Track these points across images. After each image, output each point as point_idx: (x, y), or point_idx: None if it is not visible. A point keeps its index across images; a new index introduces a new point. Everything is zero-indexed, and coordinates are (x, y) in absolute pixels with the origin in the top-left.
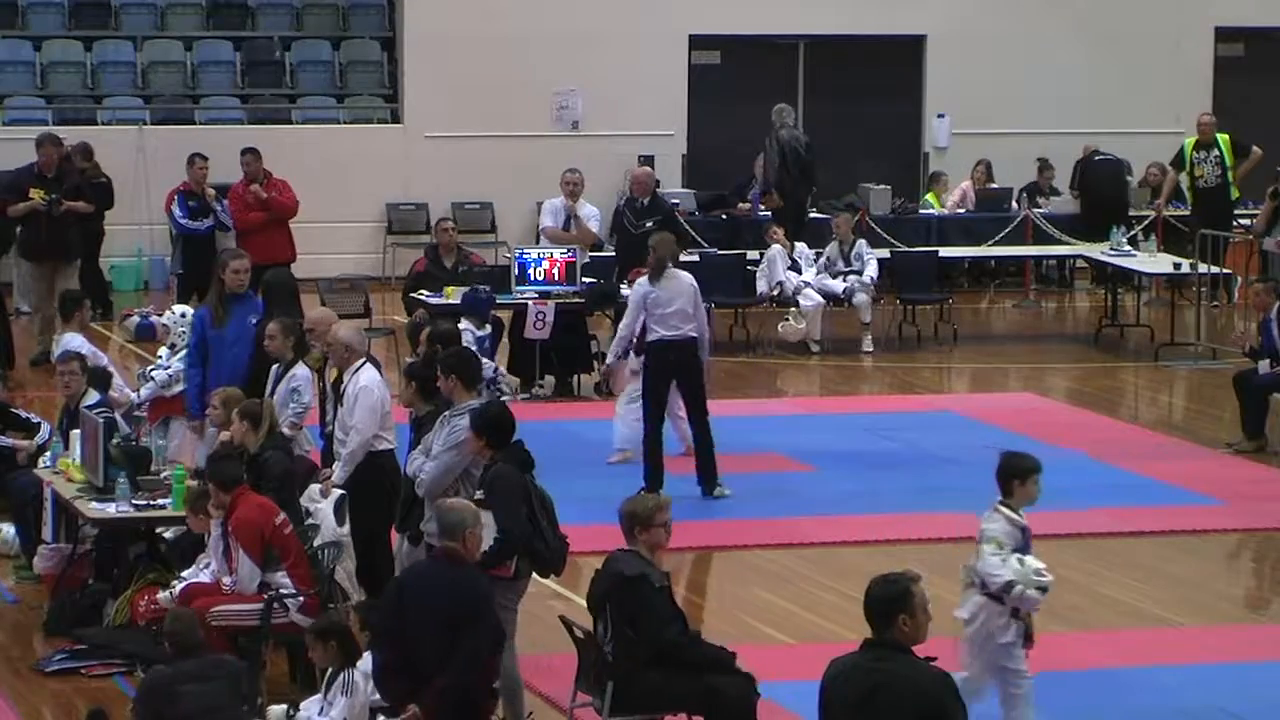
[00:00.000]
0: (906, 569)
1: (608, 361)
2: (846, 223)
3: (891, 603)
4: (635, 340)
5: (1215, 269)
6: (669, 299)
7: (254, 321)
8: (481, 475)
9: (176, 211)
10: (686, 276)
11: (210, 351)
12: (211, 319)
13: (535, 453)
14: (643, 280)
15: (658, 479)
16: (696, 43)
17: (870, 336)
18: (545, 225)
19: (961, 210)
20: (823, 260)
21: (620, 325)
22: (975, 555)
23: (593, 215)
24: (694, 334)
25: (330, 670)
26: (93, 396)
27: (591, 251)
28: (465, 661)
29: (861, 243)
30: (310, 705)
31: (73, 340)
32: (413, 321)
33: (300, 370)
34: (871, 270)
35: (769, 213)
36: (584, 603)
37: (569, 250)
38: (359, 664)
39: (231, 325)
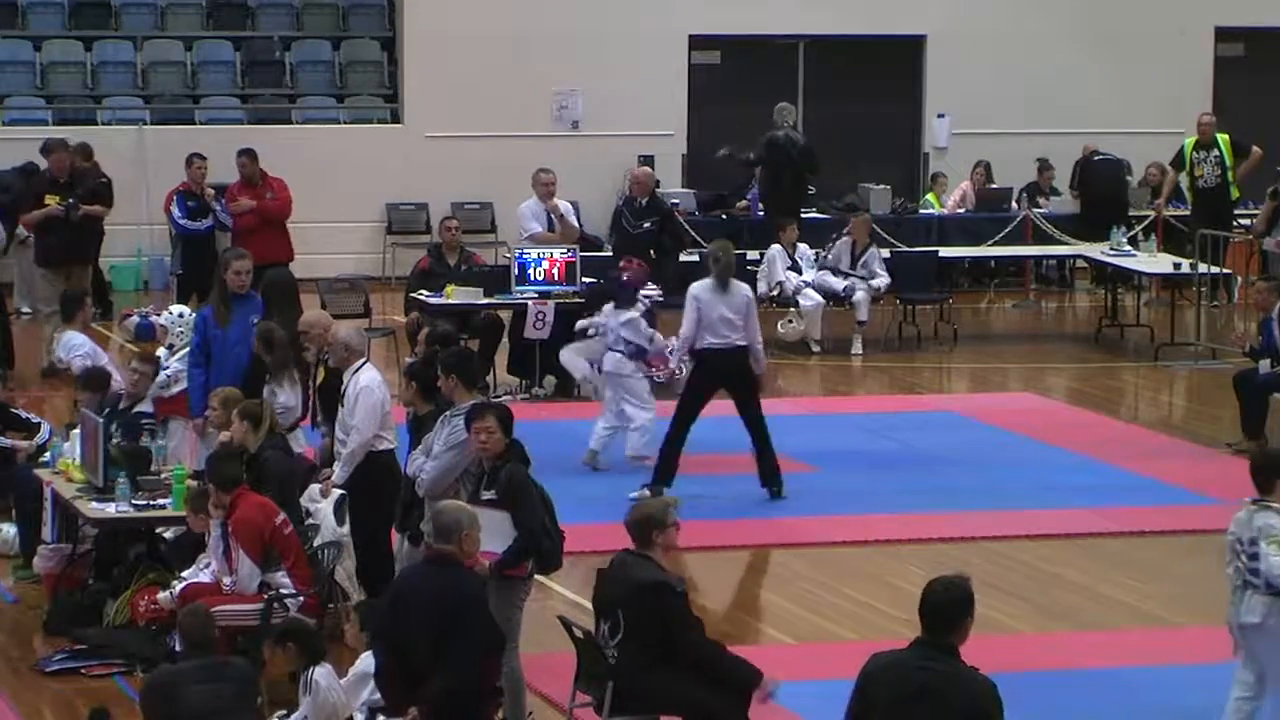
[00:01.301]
0: (959, 572)
1: (671, 365)
2: (864, 225)
3: (960, 606)
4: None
5: (1215, 269)
6: (718, 306)
7: (255, 321)
8: (490, 475)
9: (175, 212)
10: (742, 286)
11: (213, 351)
12: (215, 319)
13: (535, 453)
14: (702, 284)
15: (668, 478)
16: (696, 43)
17: (861, 338)
18: (532, 230)
19: (961, 210)
20: (829, 257)
21: (682, 329)
22: (1236, 557)
23: (568, 211)
24: (742, 343)
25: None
26: (147, 404)
27: (583, 252)
28: (457, 663)
29: (873, 250)
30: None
31: (74, 340)
32: (413, 321)
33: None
34: (882, 280)
35: (763, 212)
36: (584, 602)
37: (569, 250)
38: (355, 667)
39: (234, 325)
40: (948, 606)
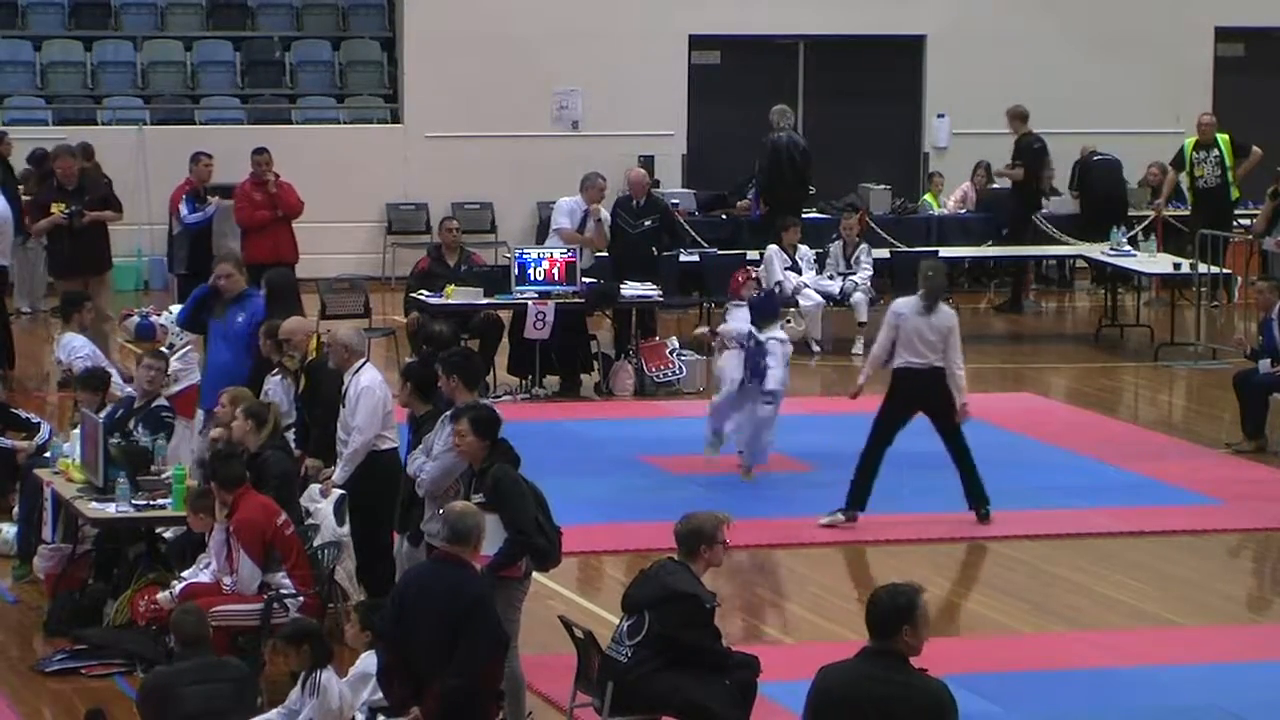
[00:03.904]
0: (911, 580)
1: (859, 380)
2: (855, 224)
3: (898, 614)
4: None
5: (1215, 269)
6: (917, 325)
7: (241, 320)
8: (477, 478)
9: (183, 210)
10: (947, 309)
11: (208, 335)
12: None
13: (536, 453)
14: (905, 300)
15: (861, 499)
16: (696, 43)
17: (863, 339)
18: (562, 225)
19: (962, 210)
20: (829, 260)
21: (875, 344)
22: None
23: (606, 219)
24: (939, 364)
25: (303, 673)
26: (161, 401)
27: (598, 253)
28: (465, 664)
29: (864, 246)
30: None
31: (74, 341)
32: (413, 322)
33: (274, 376)
34: (866, 273)
35: (760, 213)
36: (584, 602)
37: (569, 250)
38: (355, 667)
39: (226, 320)
40: (888, 614)
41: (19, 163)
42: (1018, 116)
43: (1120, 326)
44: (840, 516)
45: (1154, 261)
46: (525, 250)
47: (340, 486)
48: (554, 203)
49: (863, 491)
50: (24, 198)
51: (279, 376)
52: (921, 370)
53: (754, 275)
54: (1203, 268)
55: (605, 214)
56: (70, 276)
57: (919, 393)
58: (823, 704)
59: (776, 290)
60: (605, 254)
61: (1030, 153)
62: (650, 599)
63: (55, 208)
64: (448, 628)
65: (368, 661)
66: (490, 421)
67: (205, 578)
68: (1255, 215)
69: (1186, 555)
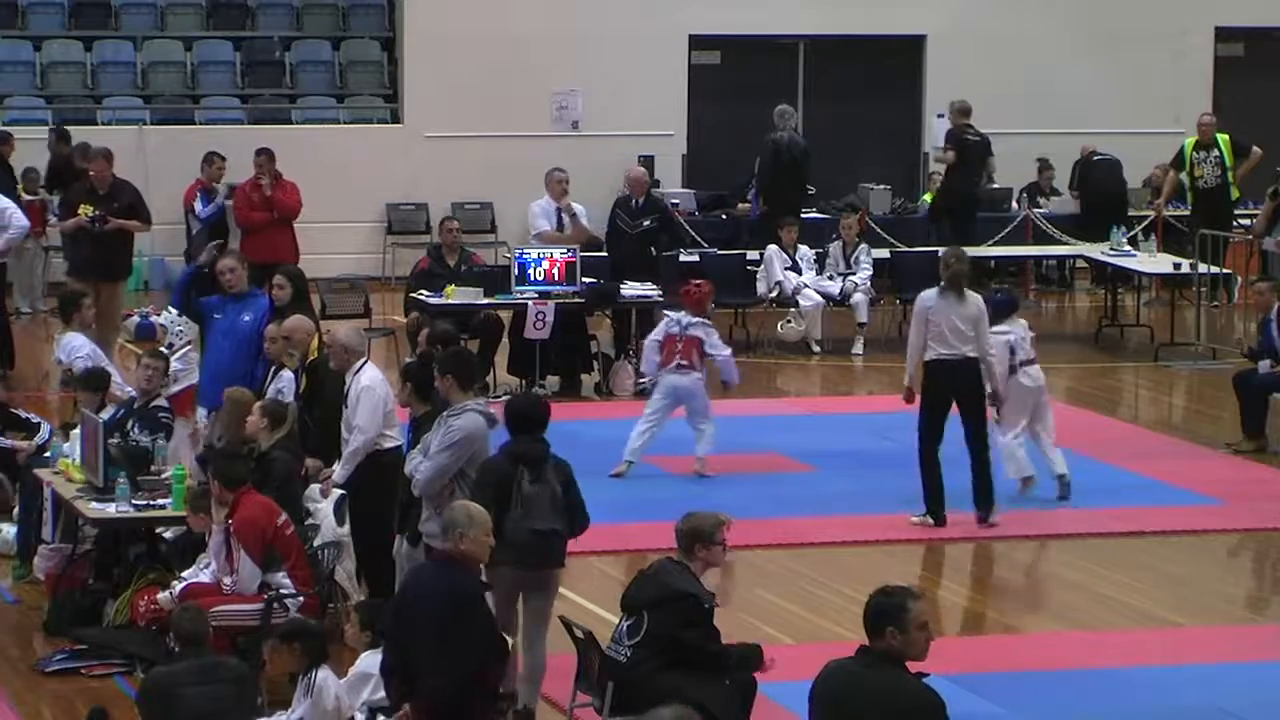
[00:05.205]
0: (910, 585)
1: (906, 381)
2: (851, 225)
3: (883, 615)
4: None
5: (1215, 269)
6: (948, 316)
7: (248, 319)
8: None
9: (198, 205)
10: (975, 296)
11: (206, 329)
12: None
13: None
14: (930, 292)
15: (939, 499)
16: (696, 43)
17: (863, 339)
18: (541, 228)
19: None
20: (828, 260)
21: (910, 339)
22: None
23: (581, 212)
24: (972, 354)
25: (300, 674)
26: (159, 401)
27: (586, 250)
28: (450, 663)
29: (863, 246)
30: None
31: (74, 341)
32: (413, 322)
33: (286, 372)
34: (866, 273)
35: (760, 212)
36: (584, 602)
37: (569, 250)
38: (355, 667)
39: (231, 318)
40: (873, 613)
41: (24, 161)
42: (956, 111)
43: (1120, 326)
44: (929, 519)
45: (1154, 261)
46: (525, 250)
47: (341, 486)
48: None
49: (937, 492)
50: (25, 198)
51: (288, 373)
52: (954, 361)
53: (708, 288)
54: (1203, 268)
55: (578, 208)
56: (84, 279)
57: (953, 384)
58: (816, 694)
59: (777, 288)
60: (605, 254)
61: (960, 141)
62: (649, 599)
63: (83, 209)
64: (438, 627)
65: (368, 661)
66: (508, 410)
67: (205, 578)
68: (1255, 215)
69: (1186, 555)
